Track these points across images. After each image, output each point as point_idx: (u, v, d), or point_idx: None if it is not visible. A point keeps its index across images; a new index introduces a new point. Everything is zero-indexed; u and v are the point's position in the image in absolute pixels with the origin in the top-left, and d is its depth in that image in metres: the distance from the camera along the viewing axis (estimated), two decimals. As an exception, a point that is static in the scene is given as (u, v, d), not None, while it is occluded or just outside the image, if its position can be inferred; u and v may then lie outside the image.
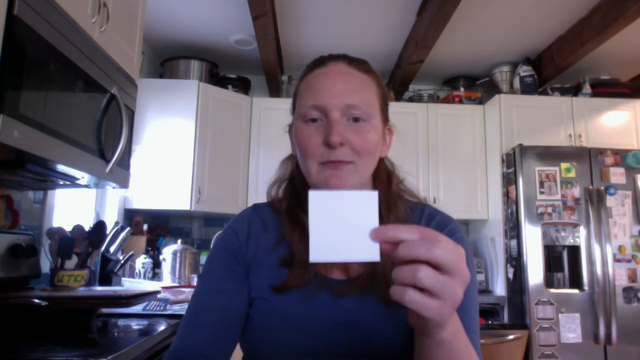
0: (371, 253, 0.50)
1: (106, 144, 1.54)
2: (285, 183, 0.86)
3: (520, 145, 2.90)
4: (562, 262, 2.83)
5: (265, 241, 0.80)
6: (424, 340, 0.54)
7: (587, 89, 3.27)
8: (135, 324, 1.54)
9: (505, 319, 2.94)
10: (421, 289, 0.46)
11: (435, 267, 0.46)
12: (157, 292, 1.67)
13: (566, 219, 2.78)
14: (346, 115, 0.74)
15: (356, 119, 0.74)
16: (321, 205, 0.51)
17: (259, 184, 3.17)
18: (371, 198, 0.51)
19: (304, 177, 0.79)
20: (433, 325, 0.50)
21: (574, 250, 2.80)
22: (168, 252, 2.69)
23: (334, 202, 0.51)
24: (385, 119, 0.81)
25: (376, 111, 0.77)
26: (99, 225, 1.88)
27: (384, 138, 0.81)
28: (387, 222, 0.77)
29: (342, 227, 0.50)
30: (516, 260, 2.83)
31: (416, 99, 3.58)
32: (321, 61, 0.79)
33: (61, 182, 1.54)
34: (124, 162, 1.70)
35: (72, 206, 2.30)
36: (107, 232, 2.01)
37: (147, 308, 1.74)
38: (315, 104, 0.74)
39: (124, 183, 1.71)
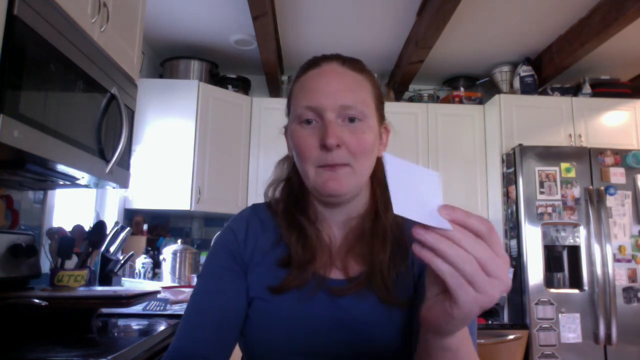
0: (443, 223, 0.49)
1: (106, 144, 1.54)
2: (282, 184, 0.86)
3: (520, 145, 2.90)
4: (562, 262, 2.83)
5: (263, 241, 0.80)
6: (430, 340, 0.53)
7: (587, 89, 3.27)
8: (135, 324, 1.54)
9: (505, 319, 2.94)
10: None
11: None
12: (157, 292, 1.67)
13: (566, 219, 2.78)
14: (341, 116, 0.73)
15: (352, 119, 0.74)
16: (395, 169, 0.50)
17: (259, 184, 3.17)
18: (436, 177, 0.50)
19: (301, 178, 0.79)
20: (459, 312, 0.47)
21: (574, 250, 2.80)
22: (168, 252, 2.69)
23: (406, 170, 0.50)
24: (381, 117, 0.81)
25: (372, 110, 0.77)
26: (99, 225, 1.88)
27: (381, 137, 0.81)
28: (386, 221, 0.77)
29: (416, 192, 0.50)
30: (516, 260, 2.83)
31: (416, 99, 3.58)
32: (315, 62, 0.79)
33: (61, 182, 1.54)
34: (124, 162, 1.70)
35: (72, 206, 2.30)
36: (107, 232, 2.01)
37: (147, 308, 1.75)
38: (309, 105, 0.74)
39: (124, 183, 1.71)
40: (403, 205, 0.49)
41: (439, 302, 0.48)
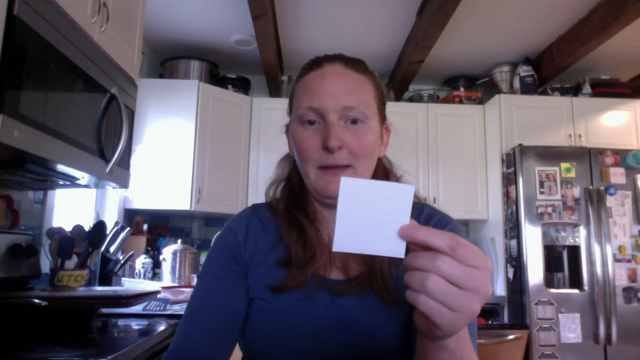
0: (397, 249, 0.47)
1: (106, 144, 1.54)
2: (283, 184, 0.86)
3: (520, 145, 2.90)
4: (562, 262, 2.83)
5: (263, 241, 0.80)
6: (427, 343, 0.53)
7: (587, 89, 3.27)
8: (135, 324, 1.54)
9: (505, 319, 2.94)
10: None
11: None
12: (157, 292, 1.67)
13: (566, 219, 2.78)
14: (343, 117, 0.74)
15: (354, 121, 0.74)
16: (352, 193, 0.48)
17: (259, 184, 3.17)
18: (407, 192, 0.47)
19: (302, 177, 0.79)
20: (441, 333, 0.47)
21: (574, 250, 2.80)
22: (168, 252, 2.69)
23: (366, 192, 0.48)
24: (382, 118, 0.81)
25: (373, 112, 0.77)
26: (99, 225, 1.88)
27: (382, 138, 0.81)
28: None
29: (371, 219, 0.47)
30: (516, 260, 2.83)
31: (416, 99, 3.58)
32: (317, 62, 0.79)
33: (61, 182, 1.54)
34: (124, 162, 1.70)
35: (72, 206, 2.30)
36: (107, 232, 2.01)
37: (147, 308, 1.74)
38: (312, 106, 0.74)
39: (124, 183, 1.71)
40: (348, 238, 0.48)
41: (423, 318, 0.47)
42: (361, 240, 0.48)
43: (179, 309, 1.82)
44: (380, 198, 0.48)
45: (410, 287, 0.45)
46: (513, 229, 2.88)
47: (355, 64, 0.79)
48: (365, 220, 0.48)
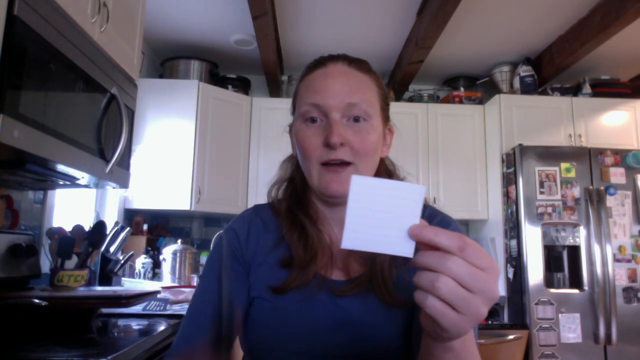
0: (405, 249, 0.48)
1: (106, 144, 1.54)
2: (285, 184, 0.86)
3: (520, 145, 2.90)
4: (562, 262, 2.83)
5: (265, 242, 0.80)
6: (431, 343, 0.53)
7: (587, 89, 3.27)
8: (135, 324, 1.54)
9: (505, 319, 2.94)
10: None
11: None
12: (157, 292, 1.67)
13: (566, 219, 2.78)
14: (346, 115, 0.74)
15: (356, 119, 0.74)
16: (362, 191, 0.48)
17: (259, 184, 3.17)
18: (418, 192, 0.48)
19: (304, 177, 0.79)
20: (447, 335, 0.47)
21: (574, 250, 2.80)
22: (168, 252, 2.69)
23: (376, 191, 0.48)
24: (385, 118, 0.81)
25: (376, 111, 0.77)
26: (99, 225, 1.87)
27: (385, 138, 0.81)
28: None
29: (380, 217, 0.48)
30: (516, 260, 2.83)
31: (416, 99, 3.58)
32: (321, 61, 0.79)
33: (61, 182, 1.54)
34: (124, 162, 1.70)
35: (72, 206, 2.30)
36: (107, 232, 2.01)
37: (147, 308, 1.74)
38: (315, 104, 0.74)
39: (124, 183, 1.71)
40: (357, 236, 0.48)
41: (429, 319, 0.47)
42: (370, 238, 0.48)
43: (179, 309, 1.82)
44: (390, 197, 0.48)
45: (420, 286, 0.45)
46: (513, 229, 2.88)
47: (358, 63, 0.79)
48: (375, 219, 0.48)
